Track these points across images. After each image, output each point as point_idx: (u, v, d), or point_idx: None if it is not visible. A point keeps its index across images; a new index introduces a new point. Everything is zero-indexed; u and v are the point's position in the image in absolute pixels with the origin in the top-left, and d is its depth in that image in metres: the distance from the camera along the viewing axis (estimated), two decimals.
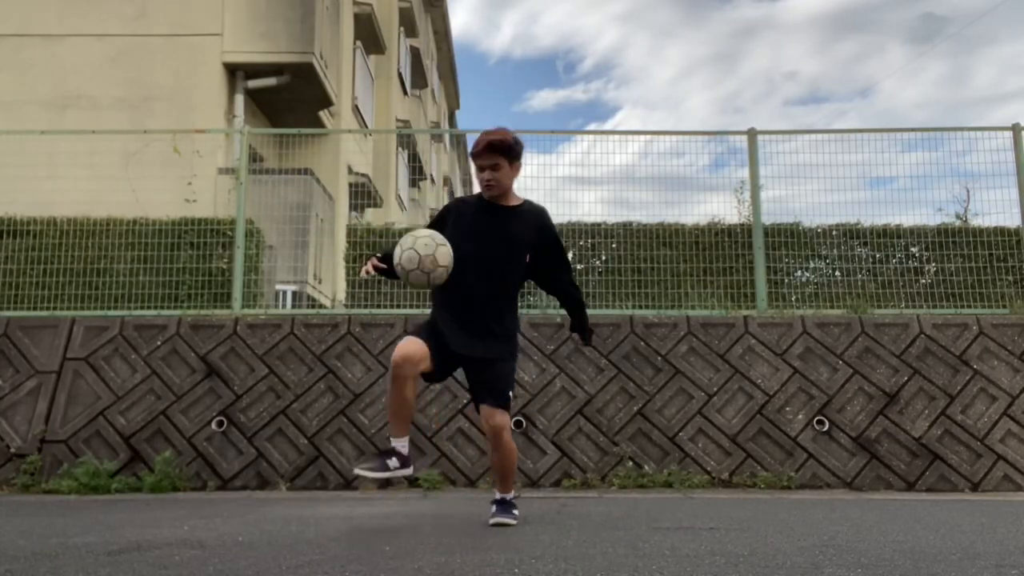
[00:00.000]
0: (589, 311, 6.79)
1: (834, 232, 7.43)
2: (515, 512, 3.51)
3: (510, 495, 3.55)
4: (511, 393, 3.40)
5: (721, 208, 10.35)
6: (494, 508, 3.53)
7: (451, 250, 3.19)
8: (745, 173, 7.36)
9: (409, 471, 3.38)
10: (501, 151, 3.31)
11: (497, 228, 3.39)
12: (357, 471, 3.28)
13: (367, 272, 3.45)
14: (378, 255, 3.51)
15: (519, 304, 3.65)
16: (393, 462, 3.31)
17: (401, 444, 3.35)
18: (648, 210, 7.52)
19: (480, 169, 3.36)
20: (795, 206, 7.41)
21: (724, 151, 8.01)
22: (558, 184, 7.57)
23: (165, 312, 6.78)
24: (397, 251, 3.17)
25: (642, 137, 7.72)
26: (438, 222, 3.53)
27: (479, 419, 3.48)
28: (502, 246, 3.38)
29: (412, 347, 3.21)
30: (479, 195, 3.49)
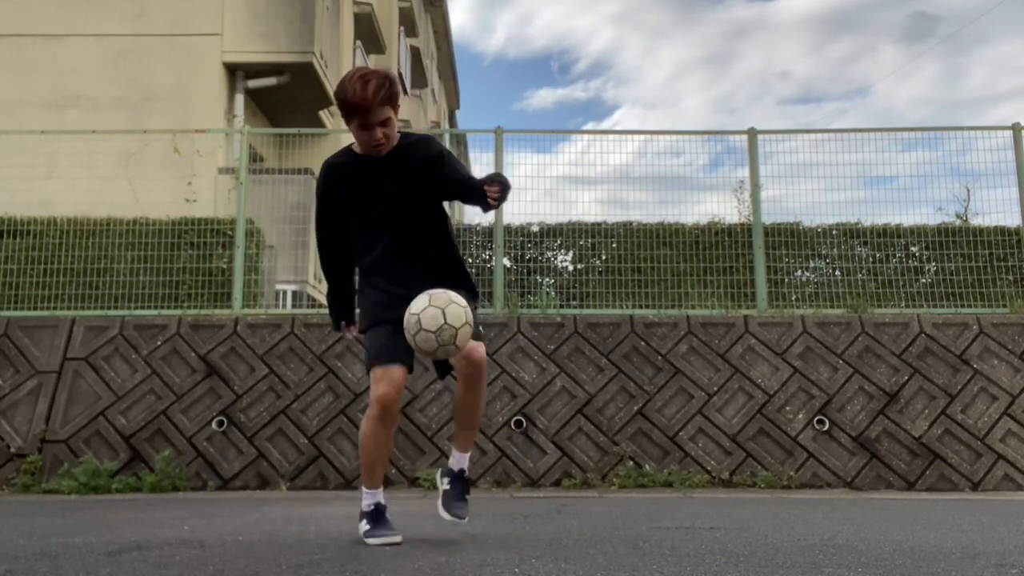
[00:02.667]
0: (589, 311, 6.85)
1: (834, 232, 7.44)
2: (467, 497, 3.02)
3: (468, 456, 3.01)
4: (481, 327, 2.89)
5: (720, 208, 10.37)
6: (447, 483, 2.97)
7: (457, 305, 2.62)
8: (743, 172, 7.38)
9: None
10: (389, 102, 2.73)
11: (396, 180, 2.87)
12: (375, 542, 2.80)
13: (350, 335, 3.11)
14: (343, 322, 3.07)
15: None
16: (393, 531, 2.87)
17: (382, 496, 2.93)
18: (647, 210, 7.53)
19: (365, 127, 2.74)
20: (795, 206, 7.42)
21: (722, 150, 8.01)
22: (557, 184, 7.57)
23: (165, 312, 6.78)
24: (408, 337, 2.63)
25: (641, 136, 7.73)
26: (329, 202, 2.96)
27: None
28: (409, 193, 2.88)
29: (396, 374, 2.74)
30: (349, 150, 2.93)
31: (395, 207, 2.87)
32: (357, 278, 3.04)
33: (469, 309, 2.65)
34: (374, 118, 2.72)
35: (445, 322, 2.57)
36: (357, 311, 3.02)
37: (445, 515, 2.97)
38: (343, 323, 3.08)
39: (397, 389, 2.75)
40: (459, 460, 3.03)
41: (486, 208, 2.84)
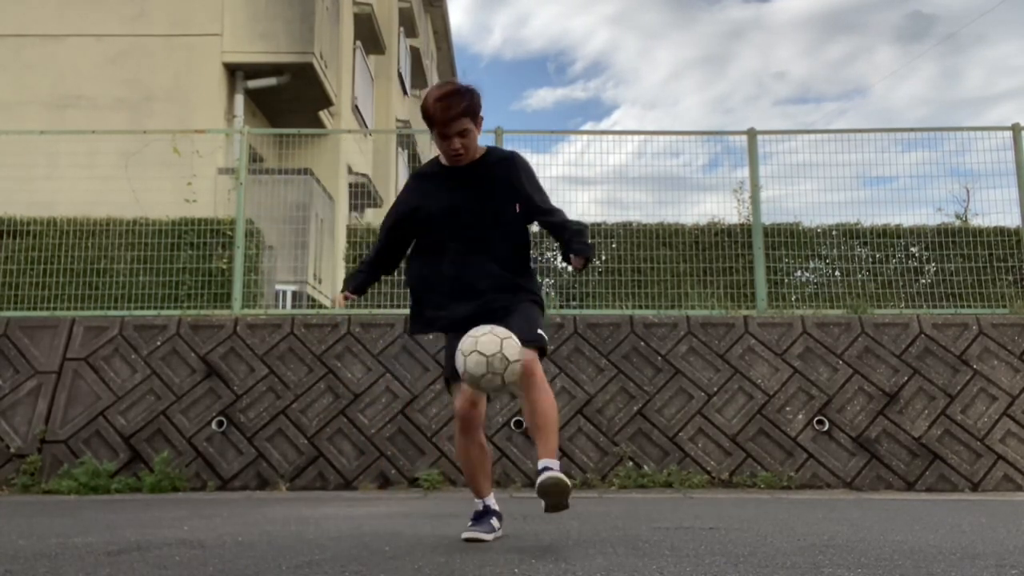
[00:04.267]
0: (589, 311, 6.86)
1: (834, 232, 7.44)
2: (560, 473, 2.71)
3: (557, 462, 2.72)
4: (542, 332, 2.86)
5: (719, 208, 10.38)
6: (544, 475, 2.65)
7: (516, 342, 2.67)
8: (743, 173, 7.38)
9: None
10: (469, 113, 2.85)
11: (476, 194, 2.96)
12: (465, 536, 2.91)
13: (343, 303, 3.18)
14: (348, 289, 3.18)
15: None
16: (496, 523, 3.01)
17: (492, 501, 3.05)
18: (647, 210, 7.53)
19: (444, 138, 2.86)
20: (794, 206, 7.42)
21: (721, 151, 8.02)
22: (556, 184, 7.57)
23: (165, 312, 6.78)
24: (459, 358, 2.67)
25: (640, 137, 7.73)
26: (402, 202, 3.10)
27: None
28: (488, 212, 2.96)
29: (469, 389, 2.81)
30: (436, 161, 3.05)
31: (467, 217, 2.96)
32: (412, 280, 3.09)
33: (496, 331, 2.68)
34: (451, 129, 2.84)
35: (501, 351, 2.62)
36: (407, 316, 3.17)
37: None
38: (347, 291, 3.18)
39: (471, 402, 2.87)
40: (546, 464, 2.73)
41: (566, 260, 2.96)
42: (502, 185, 2.98)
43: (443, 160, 3.01)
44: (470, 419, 2.90)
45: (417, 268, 3.07)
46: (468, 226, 2.95)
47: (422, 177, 3.12)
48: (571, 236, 2.89)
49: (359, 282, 3.19)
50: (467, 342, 2.67)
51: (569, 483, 2.67)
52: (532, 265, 3.14)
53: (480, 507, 3.05)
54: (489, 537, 2.93)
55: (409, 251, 3.16)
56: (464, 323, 2.83)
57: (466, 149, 2.91)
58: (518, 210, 3.01)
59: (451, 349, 2.87)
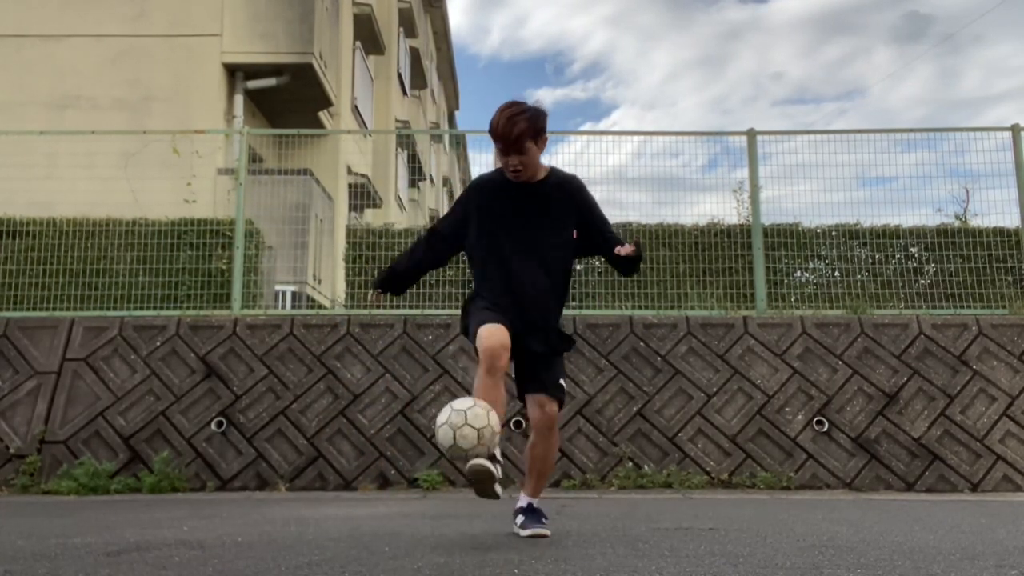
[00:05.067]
0: (588, 311, 6.85)
1: (833, 232, 7.43)
2: (545, 520, 3.15)
3: (536, 500, 3.16)
4: (563, 384, 3.12)
5: (718, 208, 10.37)
6: (522, 518, 3.11)
7: (482, 411, 2.70)
8: (742, 173, 7.38)
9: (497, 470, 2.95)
10: (530, 133, 2.94)
11: (533, 210, 3.06)
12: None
13: (375, 299, 3.37)
14: (377, 289, 3.32)
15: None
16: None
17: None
18: (646, 210, 7.53)
19: (504, 153, 2.97)
20: (794, 206, 7.42)
21: (720, 151, 8.01)
22: None
23: (164, 312, 6.78)
24: (444, 432, 2.67)
25: (639, 137, 7.72)
26: (460, 216, 3.20)
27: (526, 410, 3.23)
28: (542, 229, 3.06)
29: (501, 331, 2.88)
30: (501, 171, 3.12)
31: (522, 234, 3.07)
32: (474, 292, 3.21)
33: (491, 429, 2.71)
34: (512, 148, 2.95)
35: (488, 423, 2.67)
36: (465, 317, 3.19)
37: (524, 533, 3.08)
38: (378, 290, 3.32)
39: (502, 343, 2.86)
40: (523, 500, 3.19)
41: (623, 269, 3.18)
42: (559, 208, 3.11)
43: (512, 178, 3.11)
44: (498, 358, 2.86)
45: (479, 269, 3.19)
46: (522, 241, 3.07)
47: (482, 186, 3.21)
48: (627, 264, 3.11)
49: (390, 281, 3.30)
50: (455, 417, 2.65)
51: (548, 534, 3.03)
52: (568, 294, 3.30)
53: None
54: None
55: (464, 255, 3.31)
56: (517, 346, 2.99)
57: (524, 167, 3.01)
58: (575, 236, 3.16)
59: (480, 312, 3.00)
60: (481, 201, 3.14)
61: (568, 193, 3.14)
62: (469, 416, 2.63)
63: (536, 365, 3.08)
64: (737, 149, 7.49)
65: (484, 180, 3.22)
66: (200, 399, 6.25)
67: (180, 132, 7.95)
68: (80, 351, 6.45)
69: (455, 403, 2.71)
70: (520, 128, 2.92)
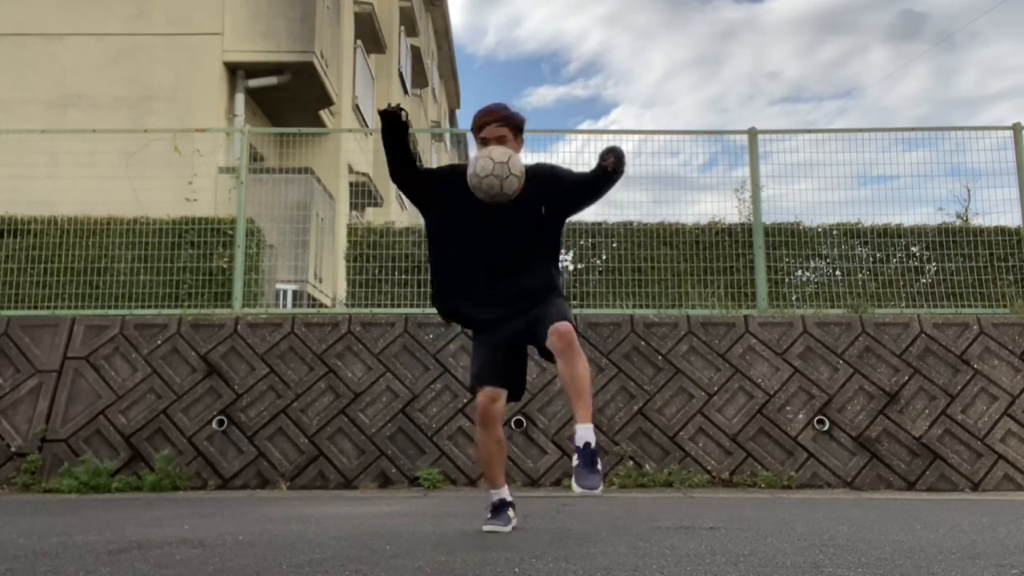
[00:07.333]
0: (589, 311, 6.85)
1: (834, 231, 7.43)
2: (599, 467, 2.89)
3: (590, 429, 2.93)
4: (570, 316, 3.16)
5: (720, 207, 10.35)
6: (579, 460, 2.86)
7: (519, 159, 3.05)
8: (742, 172, 7.37)
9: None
10: (507, 123, 3.14)
11: (506, 210, 3.15)
12: (486, 528, 3.22)
13: (398, 109, 3.30)
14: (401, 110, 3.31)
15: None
16: (512, 513, 3.31)
17: (507, 493, 3.34)
18: (647, 209, 7.52)
19: (484, 143, 3.13)
20: (795, 205, 7.41)
21: (720, 150, 8.00)
22: None
23: (166, 311, 6.78)
24: (471, 167, 3.00)
25: (639, 136, 7.72)
26: (424, 183, 3.36)
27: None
28: (512, 217, 3.16)
29: (489, 391, 3.17)
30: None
31: (496, 225, 3.16)
32: (440, 281, 3.34)
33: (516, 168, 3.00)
34: (491, 133, 3.13)
35: (507, 162, 2.98)
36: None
37: (576, 489, 2.88)
38: (401, 109, 3.32)
39: (491, 400, 3.16)
40: (581, 434, 2.95)
41: (609, 179, 3.22)
42: (538, 191, 3.18)
43: None
44: (491, 414, 3.16)
45: (443, 252, 3.29)
46: (498, 233, 3.17)
47: (452, 173, 3.29)
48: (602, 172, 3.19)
49: (401, 135, 3.34)
50: (483, 161, 2.98)
51: (600, 489, 2.91)
52: (560, 274, 3.38)
53: (496, 500, 3.30)
54: (507, 528, 3.22)
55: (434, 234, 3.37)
56: (493, 324, 3.19)
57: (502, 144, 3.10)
58: (543, 212, 3.22)
59: (479, 353, 3.23)
60: (450, 184, 3.24)
61: (535, 173, 3.22)
62: (493, 152, 3.01)
63: (538, 317, 3.15)
64: (738, 148, 7.49)
65: (456, 168, 3.31)
66: (201, 398, 6.25)
67: (181, 131, 7.95)
68: (81, 350, 6.46)
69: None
70: (498, 116, 3.14)
